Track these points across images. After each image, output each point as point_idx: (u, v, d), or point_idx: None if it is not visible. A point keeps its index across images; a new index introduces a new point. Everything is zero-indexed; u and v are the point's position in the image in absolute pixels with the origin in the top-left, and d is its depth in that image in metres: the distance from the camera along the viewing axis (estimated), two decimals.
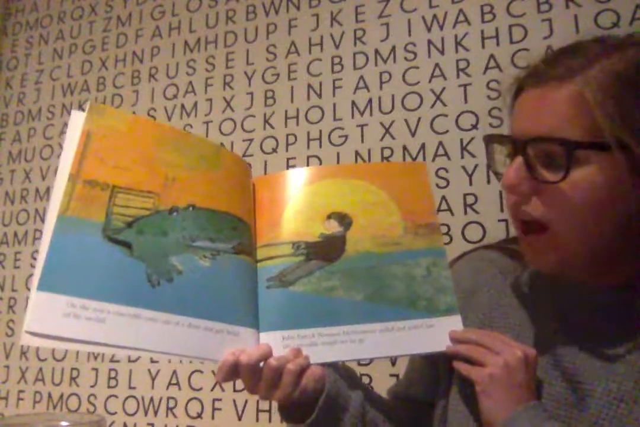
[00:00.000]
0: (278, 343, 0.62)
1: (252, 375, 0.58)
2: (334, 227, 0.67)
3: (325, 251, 0.66)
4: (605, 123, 0.52)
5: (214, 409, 1.38)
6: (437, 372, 0.69)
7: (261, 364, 0.59)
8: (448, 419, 0.64)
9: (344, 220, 0.68)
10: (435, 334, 0.62)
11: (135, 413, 1.45)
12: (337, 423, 0.62)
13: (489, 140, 0.62)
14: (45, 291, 0.53)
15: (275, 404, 1.32)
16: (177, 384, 1.42)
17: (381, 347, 0.62)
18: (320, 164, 1.39)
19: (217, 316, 0.60)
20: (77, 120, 0.61)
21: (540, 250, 0.59)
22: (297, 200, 0.69)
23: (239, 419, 1.35)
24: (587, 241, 0.56)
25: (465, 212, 1.26)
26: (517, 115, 0.59)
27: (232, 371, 0.58)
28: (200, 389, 1.40)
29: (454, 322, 0.63)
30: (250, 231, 0.67)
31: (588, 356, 0.58)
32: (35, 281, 0.53)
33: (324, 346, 0.62)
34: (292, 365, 0.58)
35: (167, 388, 1.43)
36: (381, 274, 0.65)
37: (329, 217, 0.68)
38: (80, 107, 1.70)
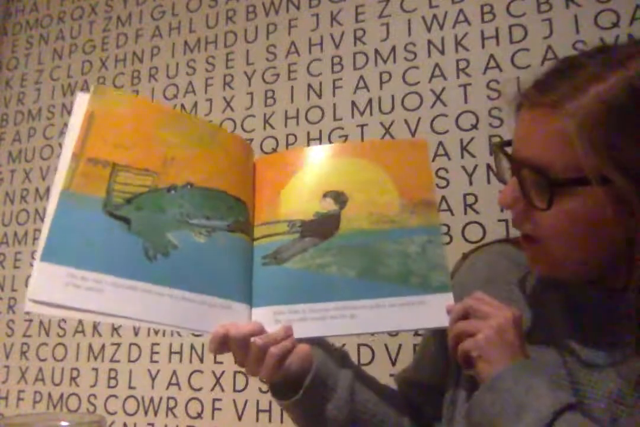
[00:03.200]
0: (269, 318, 0.64)
1: (241, 349, 0.60)
2: (329, 206, 0.68)
3: (319, 228, 0.67)
4: (586, 160, 0.52)
5: (214, 409, 1.38)
6: (448, 359, 0.69)
7: (252, 339, 0.60)
8: (457, 406, 0.64)
9: (340, 198, 0.69)
10: (427, 311, 0.63)
11: (135, 413, 1.45)
12: (323, 403, 0.63)
13: (497, 149, 0.64)
14: (47, 262, 0.56)
15: (275, 405, 1.32)
16: (177, 384, 1.42)
17: (372, 322, 0.63)
18: None
19: (211, 290, 0.62)
20: (82, 101, 0.64)
21: (534, 258, 0.63)
22: (295, 179, 0.70)
23: (239, 419, 1.35)
24: (575, 257, 0.59)
25: (465, 212, 1.26)
26: (515, 133, 0.61)
27: (222, 343, 0.60)
28: (200, 389, 1.40)
29: (446, 300, 0.63)
30: (247, 210, 0.69)
31: (591, 358, 0.58)
32: (38, 252, 0.56)
33: (314, 321, 0.63)
34: (275, 348, 0.60)
35: (167, 388, 1.43)
36: (375, 252, 0.66)
37: (325, 195, 0.69)
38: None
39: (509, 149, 0.62)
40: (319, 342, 0.66)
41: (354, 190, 0.69)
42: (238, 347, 0.60)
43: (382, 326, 0.64)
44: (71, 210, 0.59)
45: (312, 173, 0.71)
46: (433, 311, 0.63)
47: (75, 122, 0.63)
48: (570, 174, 0.54)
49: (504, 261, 0.71)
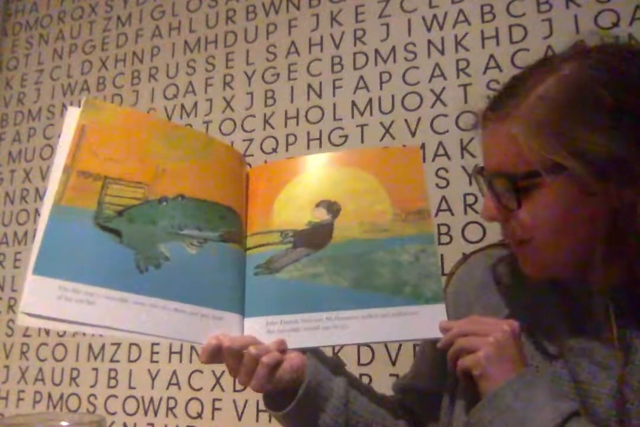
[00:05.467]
0: (262, 328, 0.64)
1: (233, 360, 0.61)
2: (322, 215, 0.68)
3: (312, 238, 0.67)
4: (529, 152, 0.57)
5: (214, 409, 1.38)
6: (446, 363, 0.69)
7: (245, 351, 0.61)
8: (455, 414, 0.64)
9: (333, 207, 0.69)
10: (419, 322, 0.62)
11: (135, 413, 1.45)
12: (318, 413, 0.63)
13: (474, 172, 0.68)
14: (40, 275, 0.57)
15: None
16: (177, 384, 1.42)
17: (363, 333, 0.63)
18: None
19: (203, 301, 0.63)
20: (73, 115, 0.64)
21: (525, 260, 0.64)
22: (288, 189, 0.70)
23: (239, 419, 1.35)
24: (562, 249, 0.60)
25: (465, 212, 1.26)
26: (482, 151, 0.65)
27: (214, 354, 0.61)
28: (200, 389, 1.40)
29: (438, 311, 0.63)
30: (240, 219, 0.69)
31: (590, 357, 0.58)
32: (30, 265, 0.57)
33: (306, 331, 0.63)
34: (267, 358, 0.60)
35: (167, 388, 1.43)
36: (367, 261, 0.65)
37: (317, 205, 0.69)
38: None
39: None
40: (312, 351, 0.66)
41: (347, 199, 0.69)
42: (231, 357, 0.61)
43: (374, 336, 0.63)
44: (63, 224, 0.59)
45: (305, 183, 0.71)
46: (425, 321, 0.62)
47: (66, 135, 0.63)
48: (524, 169, 0.58)
49: (499, 264, 0.71)
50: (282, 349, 0.62)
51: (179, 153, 0.67)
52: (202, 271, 0.64)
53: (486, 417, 0.55)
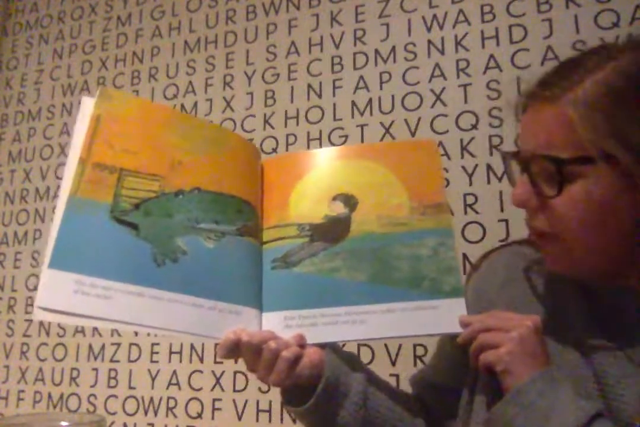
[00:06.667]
0: (280, 323, 0.63)
1: (252, 355, 0.60)
2: (339, 209, 0.68)
3: (329, 232, 0.67)
4: (586, 137, 0.55)
5: (214, 409, 1.38)
6: (465, 359, 0.69)
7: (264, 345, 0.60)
8: (474, 410, 0.63)
9: (350, 201, 0.68)
10: (438, 316, 0.62)
11: (135, 413, 1.45)
12: (336, 409, 0.63)
13: (506, 157, 0.65)
14: (56, 269, 0.56)
15: (275, 405, 1.32)
16: (177, 384, 1.42)
17: (382, 328, 0.62)
18: None
19: (220, 295, 0.62)
20: (88, 106, 0.63)
21: (554, 258, 0.61)
22: (304, 182, 0.70)
23: (239, 419, 1.35)
24: (595, 247, 0.58)
25: (466, 212, 1.26)
26: (520, 133, 0.62)
27: (232, 349, 0.60)
28: (200, 389, 1.40)
29: (458, 305, 0.62)
30: (256, 213, 0.68)
31: (616, 358, 0.58)
32: (46, 259, 0.56)
33: (324, 326, 0.63)
34: (287, 352, 0.60)
35: (167, 388, 1.43)
36: (385, 255, 0.65)
37: (334, 198, 0.68)
38: None
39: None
40: (330, 346, 0.65)
41: (364, 193, 0.68)
42: (249, 352, 0.60)
43: (393, 331, 0.63)
44: (79, 217, 0.58)
45: (321, 175, 0.70)
46: (445, 316, 0.61)
47: (81, 126, 0.62)
48: (575, 154, 0.55)
49: (521, 261, 0.70)
50: (302, 344, 0.62)
51: (194, 145, 0.66)
52: (219, 265, 0.63)
53: (509, 413, 0.54)
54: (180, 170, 0.64)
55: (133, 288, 0.58)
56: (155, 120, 0.66)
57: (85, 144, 0.61)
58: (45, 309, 0.54)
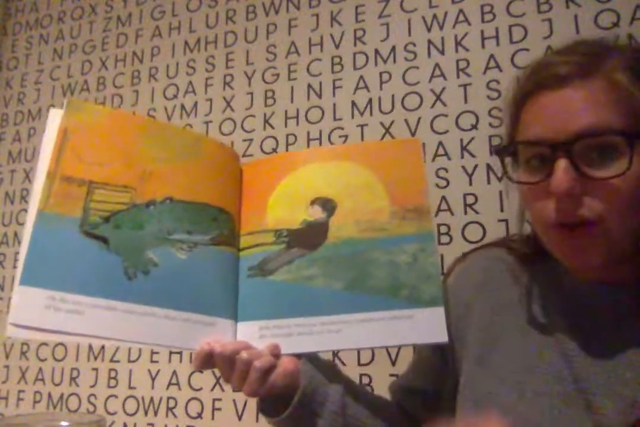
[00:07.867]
0: (254, 333, 0.62)
1: (225, 365, 0.60)
2: (317, 213, 0.65)
3: (306, 238, 0.64)
4: None
5: (214, 409, 1.38)
6: (444, 362, 0.69)
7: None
8: (457, 407, 0.63)
9: (328, 205, 0.65)
10: (416, 326, 0.60)
11: (135, 413, 1.45)
12: (314, 419, 0.62)
13: (520, 145, 0.59)
14: (27, 285, 0.56)
15: None
16: (177, 384, 1.42)
17: (358, 338, 0.60)
18: None
19: (194, 307, 0.61)
20: (55, 117, 0.63)
21: (587, 247, 0.56)
22: (283, 186, 0.67)
23: (239, 419, 1.35)
24: (632, 228, 0.55)
25: (465, 212, 1.26)
26: (538, 120, 0.57)
27: (207, 361, 0.60)
28: (200, 389, 1.40)
29: (437, 315, 0.60)
30: (232, 220, 0.67)
31: (597, 359, 0.57)
32: (17, 276, 0.56)
33: (299, 337, 0.61)
34: (259, 362, 0.59)
35: (167, 388, 1.43)
36: (363, 262, 0.63)
37: (312, 202, 0.66)
38: None
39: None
40: (307, 355, 0.64)
41: (343, 196, 0.65)
42: (224, 363, 0.60)
43: (370, 341, 0.61)
44: (48, 232, 0.58)
45: (300, 179, 0.67)
46: (422, 326, 0.59)
47: (49, 139, 0.61)
48: (637, 126, 0.52)
49: (497, 265, 0.69)
50: (276, 353, 0.61)
51: (166, 154, 0.65)
52: (192, 277, 0.62)
53: None
54: (152, 181, 0.63)
55: (104, 302, 0.57)
56: (126, 131, 0.64)
57: (53, 157, 0.60)
58: (17, 326, 0.54)
